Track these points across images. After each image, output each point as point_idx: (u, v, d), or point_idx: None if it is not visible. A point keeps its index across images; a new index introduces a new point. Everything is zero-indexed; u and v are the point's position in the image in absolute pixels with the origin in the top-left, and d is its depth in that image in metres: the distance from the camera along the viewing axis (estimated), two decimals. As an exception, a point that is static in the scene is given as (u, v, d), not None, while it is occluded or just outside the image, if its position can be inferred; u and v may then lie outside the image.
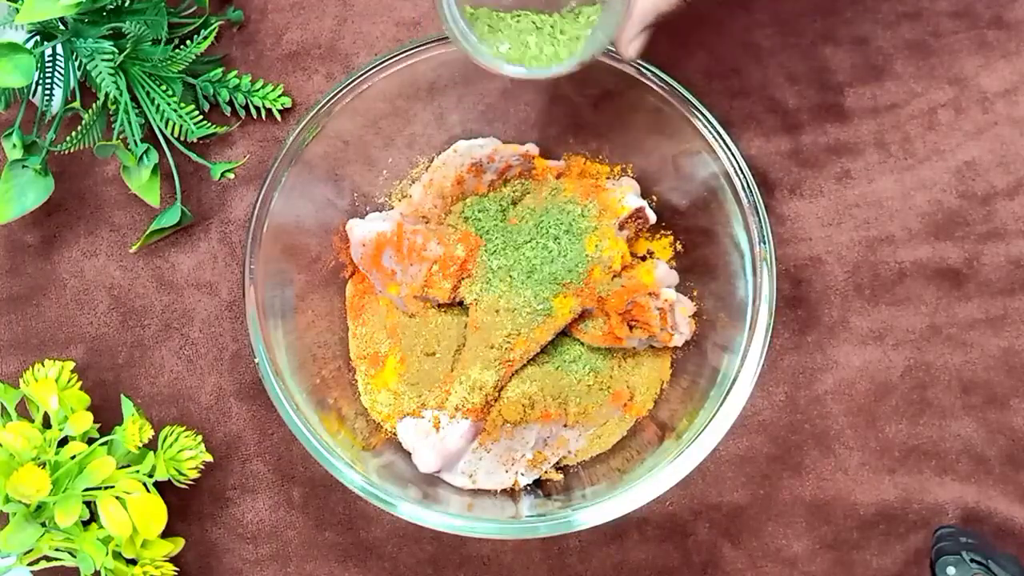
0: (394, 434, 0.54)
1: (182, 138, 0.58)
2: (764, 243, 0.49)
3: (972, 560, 0.51)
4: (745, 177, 0.50)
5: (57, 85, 0.56)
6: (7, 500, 0.47)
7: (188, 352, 0.58)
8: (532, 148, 0.55)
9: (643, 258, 0.56)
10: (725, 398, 0.48)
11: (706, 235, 0.54)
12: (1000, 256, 0.59)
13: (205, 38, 0.55)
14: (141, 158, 0.56)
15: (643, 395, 0.55)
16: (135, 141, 0.56)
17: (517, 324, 0.50)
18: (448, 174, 0.56)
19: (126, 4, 0.55)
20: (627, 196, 0.52)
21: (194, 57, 0.55)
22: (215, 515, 0.57)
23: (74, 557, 0.49)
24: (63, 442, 0.49)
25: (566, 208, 0.51)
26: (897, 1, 0.62)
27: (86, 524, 0.50)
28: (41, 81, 0.55)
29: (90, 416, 0.49)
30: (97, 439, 0.50)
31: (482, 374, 0.50)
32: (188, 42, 0.55)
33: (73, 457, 0.48)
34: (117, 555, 0.49)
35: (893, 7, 0.62)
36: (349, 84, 0.51)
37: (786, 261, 0.59)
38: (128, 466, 0.50)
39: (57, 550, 0.49)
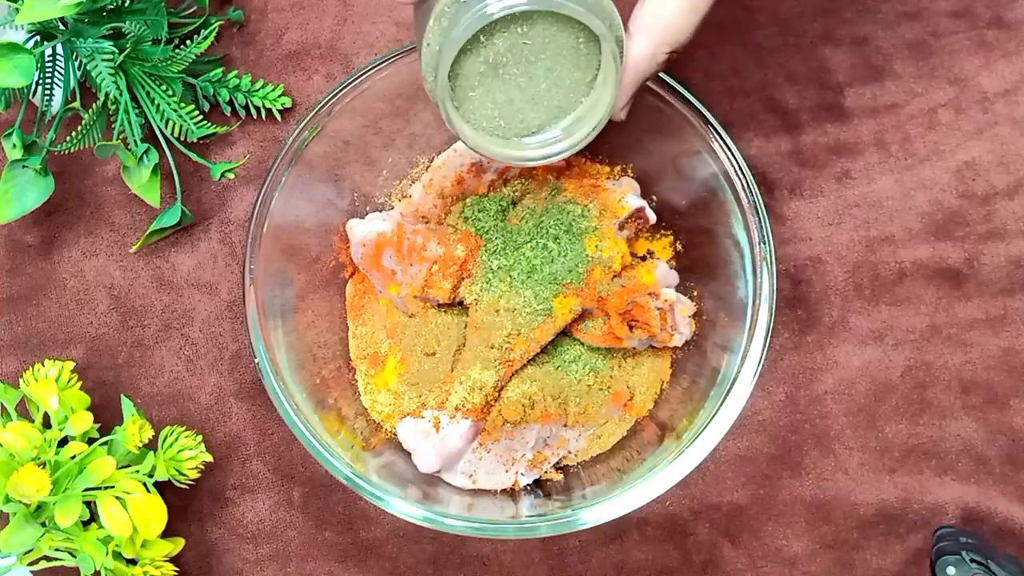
0: (394, 434, 0.54)
1: (182, 138, 0.58)
2: (764, 243, 0.49)
3: (972, 560, 0.51)
4: (745, 177, 0.50)
5: (57, 85, 0.56)
6: (7, 500, 0.47)
7: (188, 352, 0.58)
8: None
9: (643, 258, 0.56)
10: (725, 398, 0.48)
11: (706, 235, 0.54)
12: (1000, 256, 0.59)
13: (205, 38, 0.55)
14: (141, 158, 0.56)
15: (643, 395, 0.55)
16: (135, 141, 0.56)
17: (517, 324, 0.50)
18: (448, 174, 0.56)
19: (126, 4, 0.55)
20: (627, 196, 0.52)
21: (194, 57, 0.55)
22: (215, 515, 0.57)
23: (74, 557, 0.49)
24: (63, 442, 0.49)
25: (566, 208, 0.51)
26: (897, 1, 0.63)
27: (86, 524, 0.50)
28: (41, 81, 0.55)
29: (90, 416, 0.49)
30: (97, 439, 0.50)
31: (482, 374, 0.50)
32: (188, 42, 0.56)
33: (73, 457, 0.48)
34: (117, 555, 0.49)
35: (893, 7, 0.62)
36: (349, 84, 0.51)
37: (786, 261, 0.59)
38: (128, 466, 0.50)
39: (57, 550, 0.49)
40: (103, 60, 0.53)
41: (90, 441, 0.50)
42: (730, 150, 0.50)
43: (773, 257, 0.49)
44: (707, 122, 0.50)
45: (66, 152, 0.55)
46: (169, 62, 0.55)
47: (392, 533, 0.56)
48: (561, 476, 0.54)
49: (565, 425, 0.53)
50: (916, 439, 0.57)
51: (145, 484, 0.49)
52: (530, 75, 0.40)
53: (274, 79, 0.61)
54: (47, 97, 0.56)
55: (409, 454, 0.52)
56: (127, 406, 0.51)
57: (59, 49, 0.55)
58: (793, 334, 0.58)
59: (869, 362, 0.58)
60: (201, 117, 0.57)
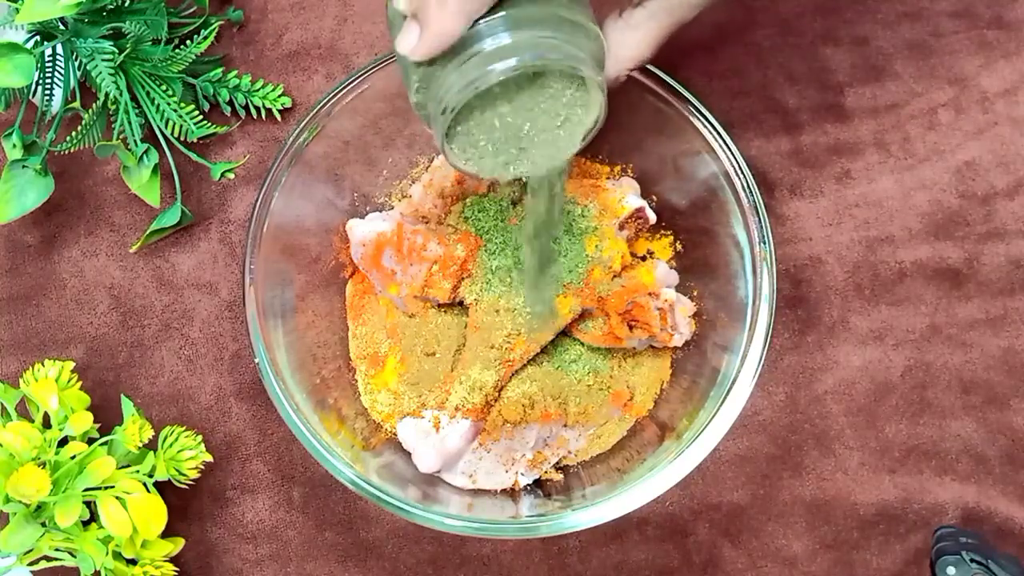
0: (394, 434, 0.54)
1: (182, 138, 0.58)
2: (764, 243, 0.49)
3: (972, 560, 0.51)
4: (745, 177, 0.50)
5: (57, 85, 0.56)
6: (7, 500, 0.47)
7: (188, 352, 0.58)
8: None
9: (643, 258, 0.56)
10: (725, 398, 0.48)
11: (706, 235, 0.54)
12: (1000, 256, 0.59)
13: (205, 38, 0.55)
14: (141, 158, 0.56)
15: (643, 395, 0.55)
16: (135, 141, 0.56)
17: (517, 324, 0.50)
18: (448, 174, 0.56)
19: (126, 4, 0.55)
20: (627, 196, 0.52)
21: (194, 57, 0.55)
22: (215, 515, 0.57)
23: (74, 557, 0.49)
24: (63, 442, 0.49)
25: (566, 208, 0.51)
26: (897, 1, 0.63)
27: (86, 524, 0.50)
28: (41, 81, 0.55)
29: (90, 416, 0.50)
30: (97, 439, 0.50)
31: (482, 374, 0.50)
32: (188, 42, 0.56)
33: (73, 457, 0.48)
34: (117, 555, 0.49)
35: (893, 7, 0.62)
36: (349, 84, 0.51)
37: (786, 261, 0.59)
38: (128, 466, 0.50)
39: (57, 550, 0.49)
40: (103, 60, 0.53)
41: (90, 441, 0.50)
42: (730, 150, 0.50)
43: (773, 257, 0.49)
44: (707, 122, 0.50)
45: (66, 152, 0.55)
46: (169, 62, 0.55)
47: (392, 533, 0.56)
48: (561, 476, 0.54)
49: (565, 425, 0.53)
50: (916, 439, 0.57)
51: (145, 484, 0.49)
52: (522, 108, 0.41)
53: (274, 79, 0.61)
54: (47, 97, 0.56)
55: (409, 454, 0.52)
56: (127, 406, 0.51)
57: (59, 49, 0.55)
58: (793, 334, 0.58)
59: (869, 362, 0.58)
60: (201, 117, 0.57)
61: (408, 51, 0.39)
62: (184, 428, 0.51)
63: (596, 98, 0.41)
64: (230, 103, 0.60)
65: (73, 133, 0.54)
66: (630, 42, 0.42)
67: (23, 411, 0.52)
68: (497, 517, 0.49)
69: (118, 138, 0.56)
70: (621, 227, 0.52)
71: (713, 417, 0.47)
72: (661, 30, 0.42)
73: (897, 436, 0.57)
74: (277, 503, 0.57)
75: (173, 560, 0.51)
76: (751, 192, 0.50)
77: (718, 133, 0.50)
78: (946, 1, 0.62)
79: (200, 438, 0.51)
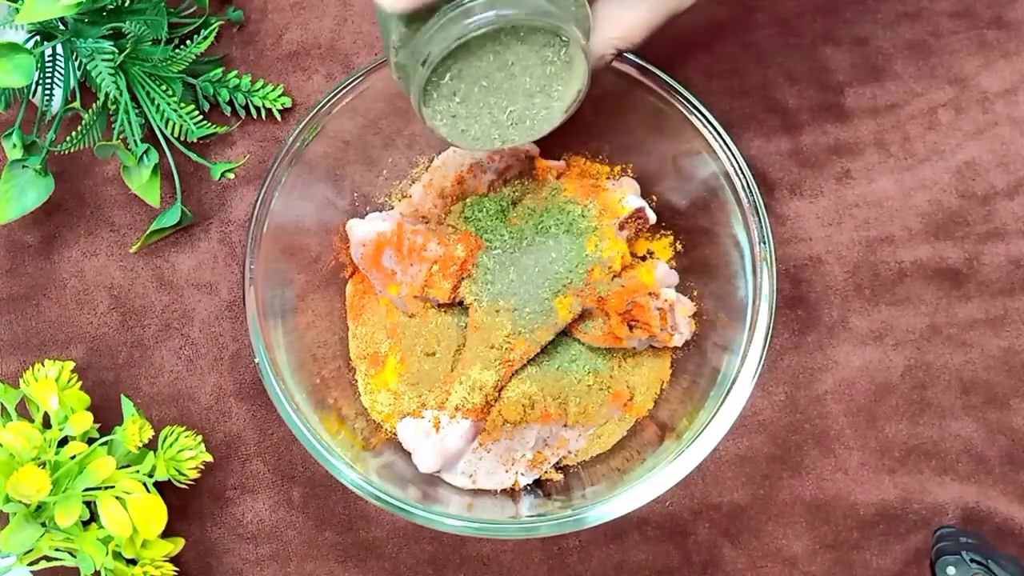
0: (394, 434, 0.54)
1: (182, 138, 0.58)
2: (764, 243, 0.49)
3: (972, 560, 0.51)
4: (745, 177, 0.50)
5: (57, 85, 0.56)
6: (7, 500, 0.47)
7: (188, 352, 0.58)
8: (532, 148, 0.55)
9: (643, 258, 0.56)
10: (725, 398, 0.48)
11: (706, 235, 0.54)
12: (1000, 256, 0.59)
13: (205, 38, 0.55)
14: (141, 158, 0.56)
15: (643, 395, 0.55)
16: (135, 141, 0.56)
17: (517, 324, 0.50)
18: (448, 174, 0.56)
19: (126, 4, 0.55)
20: (627, 196, 0.52)
21: (194, 57, 0.55)
22: (215, 515, 0.57)
23: (74, 557, 0.49)
24: (63, 442, 0.49)
25: (566, 208, 0.51)
26: (897, 1, 0.63)
27: (86, 524, 0.50)
28: (41, 81, 0.55)
29: (90, 416, 0.50)
30: (97, 439, 0.51)
31: (482, 374, 0.50)
32: (188, 42, 0.56)
33: (73, 457, 0.48)
34: (117, 555, 0.49)
35: (893, 7, 0.62)
36: (349, 84, 0.51)
37: (786, 261, 0.59)
38: (128, 466, 0.50)
39: (57, 550, 0.49)
40: (103, 60, 0.53)
41: (90, 441, 0.50)
42: (730, 150, 0.50)
43: (773, 257, 0.49)
44: (707, 122, 0.50)
45: (66, 152, 0.55)
46: (169, 62, 0.55)
47: (392, 533, 0.56)
48: (561, 476, 0.54)
49: (565, 425, 0.53)
50: (916, 439, 0.57)
51: (145, 484, 0.49)
52: (501, 71, 0.41)
53: (274, 79, 0.61)
54: (47, 97, 0.56)
55: (409, 454, 0.52)
56: (127, 406, 0.51)
57: (59, 49, 0.55)
58: (793, 334, 0.58)
59: (869, 362, 0.58)
60: (201, 117, 0.57)
61: (390, 1, 0.37)
62: (184, 428, 0.51)
63: (579, 65, 0.40)
64: (230, 103, 0.60)
65: (73, 133, 0.54)
66: (623, 21, 0.41)
67: (23, 411, 0.52)
68: (497, 517, 0.49)
69: (118, 138, 0.56)
70: (621, 227, 0.52)
71: (713, 417, 0.47)
72: (657, 13, 0.41)
73: (897, 436, 0.57)
74: (277, 503, 0.57)
75: (173, 560, 0.51)
76: (751, 192, 0.50)
77: (718, 133, 0.50)
78: (946, 1, 0.62)
79: (200, 438, 0.51)
